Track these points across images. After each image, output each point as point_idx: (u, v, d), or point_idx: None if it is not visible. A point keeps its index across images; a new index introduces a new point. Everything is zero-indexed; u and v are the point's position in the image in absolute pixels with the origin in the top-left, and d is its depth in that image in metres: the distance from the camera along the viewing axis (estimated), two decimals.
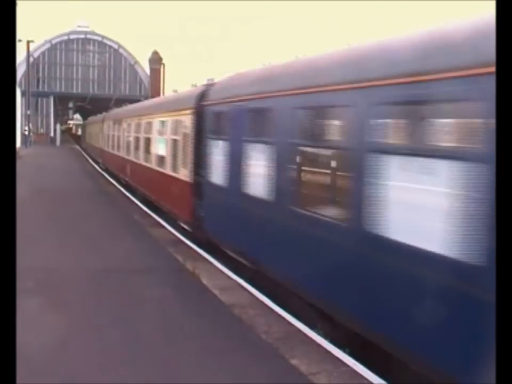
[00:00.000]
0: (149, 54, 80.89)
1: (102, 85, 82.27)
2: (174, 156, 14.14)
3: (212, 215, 11.05)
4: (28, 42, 60.96)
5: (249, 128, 9.13)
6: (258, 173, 8.51)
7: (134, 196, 20.14)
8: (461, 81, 4.55)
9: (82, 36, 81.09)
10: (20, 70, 68.29)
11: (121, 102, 46.73)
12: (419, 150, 5.03)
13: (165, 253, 11.13)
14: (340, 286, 6.35)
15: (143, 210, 17.16)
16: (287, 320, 7.24)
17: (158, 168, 16.35)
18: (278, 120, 7.90)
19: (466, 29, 4.96)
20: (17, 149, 38.76)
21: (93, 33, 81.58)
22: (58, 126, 76.78)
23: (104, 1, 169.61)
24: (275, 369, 5.86)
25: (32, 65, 67.93)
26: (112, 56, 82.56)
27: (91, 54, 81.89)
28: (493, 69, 3.74)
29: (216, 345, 6.43)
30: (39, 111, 77.02)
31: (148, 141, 18.30)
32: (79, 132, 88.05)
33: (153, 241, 12.40)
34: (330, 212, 6.66)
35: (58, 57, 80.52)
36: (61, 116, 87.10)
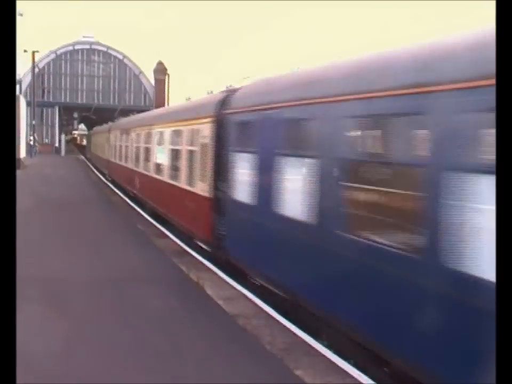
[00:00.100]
0: (154, 64, 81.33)
1: (107, 95, 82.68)
2: (190, 169, 12.98)
3: (236, 236, 9.94)
4: (33, 52, 61.35)
5: (284, 139, 8.00)
6: (296, 191, 7.49)
7: (142, 209, 19.28)
8: None
9: (87, 46, 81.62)
10: (25, 80, 68.73)
11: (126, 112, 47.01)
12: None
13: (169, 263, 11.13)
14: (414, 336, 5.12)
15: (148, 220, 17.18)
16: (292, 331, 7.24)
17: (171, 181, 15.15)
18: (325, 130, 6.77)
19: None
20: (22, 159, 39.02)
21: (98, 43, 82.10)
22: (63, 136, 77.05)
23: (109, 10, 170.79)
24: (280, 380, 5.86)
25: (38, 75, 68.31)
26: (117, 66, 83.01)
27: (96, 65, 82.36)
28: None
29: (220, 355, 6.43)
30: (44, 121, 77.38)
31: (158, 152, 17.22)
32: (84, 142, 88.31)
33: (157, 251, 12.40)
34: (395, 240, 5.49)
35: (63, 68, 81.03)
36: (65, 126, 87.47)
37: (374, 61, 6.40)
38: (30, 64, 62.86)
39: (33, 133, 59.84)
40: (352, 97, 6.26)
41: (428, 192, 4.92)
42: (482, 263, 4.21)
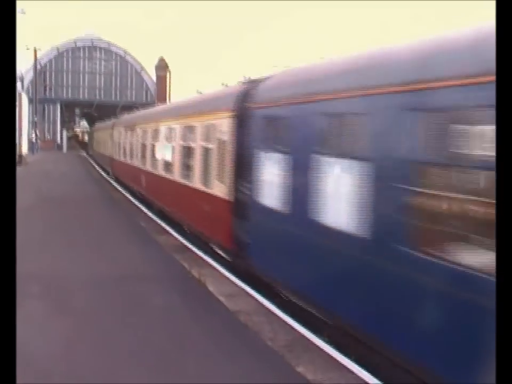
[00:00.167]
0: (155, 61, 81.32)
1: (109, 92, 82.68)
2: (205, 168, 11.80)
3: (263, 244, 8.84)
4: (35, 49, 61.43)
5: (329, 137, 6.83)
6: (343, 198, 6.38)
7: (146, 207, 18.76)
8: None
9: (88, 43, 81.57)
10: (28, 77, 68.82)
11: (127, 108, 46.97)
12: None
13: (171, 260, 11.14)
14: None
15: (149, 216, 17.19)
16: (293, 327, 7.24)
17: (182, 181, 13.85)
18: (387, 126, 5.61)
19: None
20: (24, 155, 39.08)
21: (99, 40, 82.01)
22: (65, 132, 77.11)
23: (110, 9, 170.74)
24: (281, 376, 5.87)
25: (40, 72, 68.33)
26: (118, 63, 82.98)
27: (97, 61, 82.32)
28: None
29: (222, 352, 6.44)
30: (46, 118, 77.45)
31: (168, 149, 15.70)
32: (86, 139, 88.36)
33: (159, 247, 12.41)
34: (479, 261, 4.44)
35: (65, 64, 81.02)
36: (67, 123, 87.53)
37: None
38: (32, 61, 62.95)
39: (35, 129, 59.93)
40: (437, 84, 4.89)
41: None
42: None
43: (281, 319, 7.58)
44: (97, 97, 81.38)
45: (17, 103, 41.87)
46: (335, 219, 6.49)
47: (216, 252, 11.05)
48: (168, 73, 72.58)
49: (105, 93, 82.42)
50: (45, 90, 75.84)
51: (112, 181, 29.46)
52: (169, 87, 70.08)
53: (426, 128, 5.08)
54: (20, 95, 43.34)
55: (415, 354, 5.15)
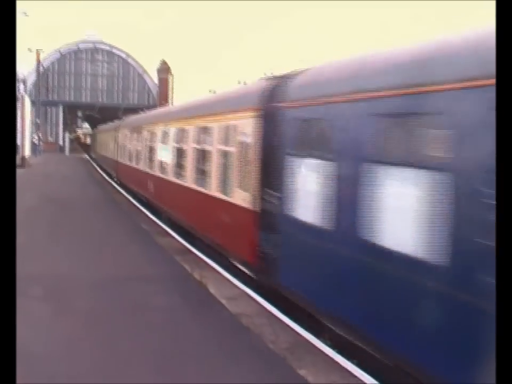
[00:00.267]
0: (157, 62, 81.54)
1: (111, 94, 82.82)
2: (224, 173, 10.73)
3: (295, 262, 7.74)
4: (38, 51, 61.55)
5: (389, 142, 5.74)
6: (408, 214, 5.29)
7: (150, 211, 18.25)
8: None
9: (91, 46, 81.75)
10: (30, 80, 68.95)
11: (129, 111, 47.01)
12: None
13: (172, 262, 11.14)
14: None
15: (151, 219, 17.19)
16: (294, 330, 7.23)
17: (196, 188, 12.70)
18: (469, 129, 4.57)
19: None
20: (26, 157, 39.14)
21: (102, 42, 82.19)
22: (67, 135, 77.23)
23: (111, 11, 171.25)
24: (283, 379, 5.86)
25: (42, 74, 68.47)
26: (120, 65, 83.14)
27: (100, 64, 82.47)
28: None
29: (223, 354, 6.43)
30: (48, 120, 77.57)
31: (180, 153, 14.47)
32: (88, 141, 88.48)
33: (160, 249, 12.41)
34: None
35: (67, 67, 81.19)
36: (69, 125, 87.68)
37: None
38: (34, 63, 63.06)
39: (38, 131, 60.02)
40: None
41: None
42: None
43: (283, 321, 7.57)
44: (100, 99, 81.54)
45: (19, 105, 41.95)
46: (397, 239, 5.40)
47: (234, 265, 10.28)
48: (170, 76, 72.68)
49: (107, 96, 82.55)
50: (47, 92, 75.95)
51: (114, 184, 29.46)
52: (172, 89, 70.17)
53: None
54: (23, 97, 43.37)
55: None
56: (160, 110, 23.40)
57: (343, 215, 6.39)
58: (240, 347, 6.71)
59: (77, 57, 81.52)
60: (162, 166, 17.10)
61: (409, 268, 5.18)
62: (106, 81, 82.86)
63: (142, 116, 26.41)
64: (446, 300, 4.79)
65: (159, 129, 17.93)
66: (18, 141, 39.79)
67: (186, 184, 13.64)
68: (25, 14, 48.59)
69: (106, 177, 33.87)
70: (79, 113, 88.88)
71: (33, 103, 60.03)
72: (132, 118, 27.89)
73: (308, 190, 7.35)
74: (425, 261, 4.94)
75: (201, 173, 12.35)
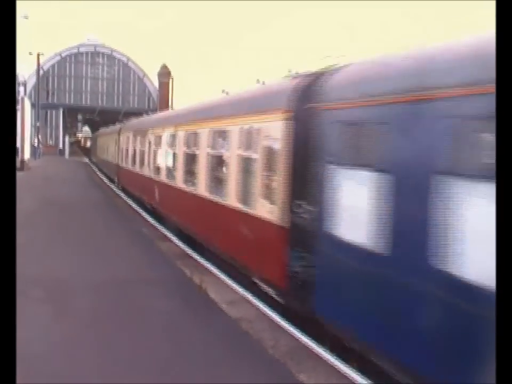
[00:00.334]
0: (157, 67, 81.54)
1: (111, 98, 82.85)
2: (245, 182, 9.58)
3: (335, 288, 6.66)
4: (38, 54, 61.62)
5: (466, 151, 4.75)
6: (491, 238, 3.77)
7: (158, 222, 17.34)
8: None
9: (91, 49, 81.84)
10: (30, 82, 69.01)
11: (129, 115, 46.98)
12: None
13: (172, 266, 11.16)
14: None
15: (151, 223, 17.20)
16: (294, 335, 7.26)
17: (211, 197, 11.46)
18: None
19: None
20: (26, 161, 39.12)
21: (102, 46, 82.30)
22: (67, 138, 77.23)
23: (112, 12, 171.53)
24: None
25: (42, 77, 68.51)
26: (121, 69, 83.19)
27: (100, 67, 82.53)
28: None
29: (223, 359, 6.46)
30: (48, 123, 77.57)
31: (191, 158, 13.19)
32: (88, 144, 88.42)
33: (161, 254, 12.44)
34: None
35: (67, 70, 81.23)
36: (69, 128, 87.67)
37: None
38: (34, 67, 63.11)
39: (38, 134, 60.00)
40: None
41: None
42: None
43: (283, 326, 7.60)
44: (100, 103, 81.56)
45: (19, 107, 41.95)
46: (479, 268, 4.38)
47: (248, 277, 9.44)
48: (170, 80, 72.70)
49: (107, 99, 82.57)
50: (47, 95, 75.96)
51: (114, 188, 29.43)
52: (172, 93, 70.17)
53: None
54: (23, 100, 43.37)
55: None
56: (168, 112, 21.56)
57: (405, 237, 5.35)
58: (240, 352, 6.74)
59: (77, 60, 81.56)
60: (171, 172, 15.80)
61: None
62: (106, 85, 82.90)
63: (147, 118, 25.38)
64: None
65: (167, 133, 16.55)
66: (18, 144, 39.81)
67: (198, 193, 12.36)
68: (25, 17, 48.78)
69: (106, 181, 33.85)
70: (79, 117, 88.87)
71: (33, 106, 60.08)
72: (136, 121, 26.76)
73: (357, 205, 6.14)
74: None
75: (217, 181, 11.25)
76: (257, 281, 9.15)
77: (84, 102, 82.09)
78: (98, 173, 41.98)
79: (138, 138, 21.80)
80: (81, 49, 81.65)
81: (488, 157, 4.28)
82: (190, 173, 13.35)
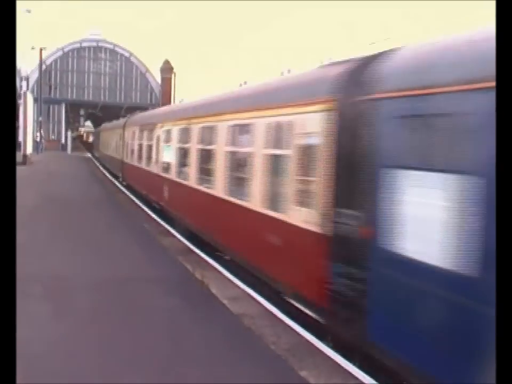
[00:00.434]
0: (159, 61, 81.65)
1: (113, 93, 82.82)
2: (273, 184, 8.56)
3: (396, 313, 5.51)
4: (41, 49, 61.63)
5: None
6: None
7: (160, 217, 17.12)
8: None
9: (94, 44, 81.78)
10: (33, 77, 69.04)
11: (132, 110, 46.94)
12: None
13: (174, 262, 11.15)
14: None
15: (153, 218, 17.20)
16: (296, 331, 7.25)
17: (230, 199, 10.42)
18: None
19: None
20: (28, 155, 39.15)
21: (105, 41, 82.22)
22: (69, 133, 77.27)
23: (115, 9, 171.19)
24: (284, 380, 5.88)
25: (45, 72, 68.51)
26: (123, 64, 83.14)
27: (102, 62, 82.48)
28: None
29: (225, 355, 6.45)
30: (50, 118, 77.62)
31: (208, 155, 11.97)
32: (90, 139, 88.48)
33: (162, 249, 12.43)
34: None
35: (70, 65, 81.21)
36: (72, 123, 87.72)
37: None
38: (37, 61, 63.17)
39: (40, 129, 60.05)
40: None
41: None
42: None
43: (284, 323, 7.58)
44: (102, 97, 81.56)
45: (21, 102, 41.98)
46: None
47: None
48: (173, 76, 72.74)
49: (110, 94, 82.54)
50: (50, 90, 75.97)
51: (117, 183, 29.42)
52: (174, 89, 70.23)
53: None
54: (25, 94, 43.39)
55: None
56: (180, 104, 19.73)
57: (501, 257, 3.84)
58: (242, 348, 6.72)
59: (80, 56, 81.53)
60: (183, 170, 14.53)
61: None
62: (109, 80, 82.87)
63: (155, 111, 24.21)
64: None
65: (179, 127, 15.24)
66: (20, 138, 39.84)
67: (215, 194, 11.24)
68: (28, 11, 48.80)
69: (109, 177, 33.84)
70: (82, 112, 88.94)
71: (35, 100, 60.11)
72: (142, 115, 25.62)
73: (424, 216, 5.16)
74: None
75: (239, 181, 10.10)
76: (288, 297, 8.28)
77: (86, 97, 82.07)
78: (101, 168, 41.98)
79: (146, 133, 20.74)
80: (84, 44, 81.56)
81: None
82: (206, 171, 12.14)
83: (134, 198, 22.20)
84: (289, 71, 9.79)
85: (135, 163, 23.06)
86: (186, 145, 14.09)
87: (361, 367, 6.08)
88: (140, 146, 21.98)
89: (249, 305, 8.39)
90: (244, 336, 7.11)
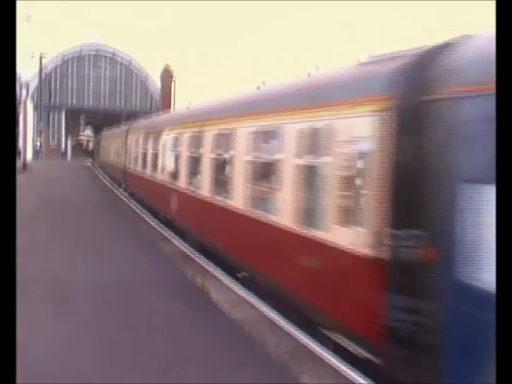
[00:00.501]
0: (160, 67, 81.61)
1: (113, 99, 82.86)
2: (310, 198, 7.35)
3: (481, 358, 4.40)
4: (41, 56, 61.72)
5: None
6: None
7: (160, 224, 16.76)
8: None
9: (93, 51, 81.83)
10: (33, 84, 69.11)
11: (131, 116, 46.90)
12: None
13: (174, 268, 11.18)
14: None
15: (153, 225, 17.20)
16: (296, 337, 7.27)
17: (255, 215, 9.10)
18: None
19: None
20: (28, 163, 39.16)
21: (104, 47, 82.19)
22: (69, 140, 77.26)
23: (114, 12, 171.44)
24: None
25: (45, 79, 68.60)
26: (123, 70, 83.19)
27: (102, 71, 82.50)
28: None
29: (225, 360, 6.48)
30: (50, 125, 77.63)
31: (225, 164, 10.94)
32: (90, 146, 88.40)
33: (163, 255, 12.45)
34: None
35: (70, 71, 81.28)
36: (72, 130, 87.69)
37: None
38: (37, 68, 63.23)
39: (40, 136, 60.05)
40: None
41: None
42: None
43: (285, 328, 7.61)
44: (102, 104, 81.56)
45: (21, 110, 42.04)
46: None
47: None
48: (172, 81, 72.84)
49: (109, 100, 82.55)
50: (49, 96, 76.02)
51: (116, 192, 29.33)
52: (174, 95, 70.32)
53: None
54: (25, 101, 43.49)
55: None
56: (190, 109, 17.32)
57: None
58: (242, 353, 6.75)
59: (79, 64, 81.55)
60: (190, 179, 13.46)
61: None
62: (108, 86, 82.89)
63: (162, 117, 23.13)
64: None
65: (188, 133, 13.93)
66: (20, 145, 39.86)
67: (238, 209, 9.85)
68: (27, 19, 48.86)
69: (109, 185, 33.74)
70: (82, 118, 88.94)
71: (35, 107, 60.16)
72: (147, 121, 24.46)
73: None
74: None
75: (263, 194, 8.98)
76: (332, 334, 6.89)
77: (86, 103, 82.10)
78: (100, 176, 41.79)
79: (150, 140, 19.37)
80: (83, 52, 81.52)
81: None
82: (224, 183, 10.90)
83: (133, 207, 22.13)
84: (317, 69, 8.60)
85: (140, 172, 21.59)
86: (199, 153, 12.65)
87: (361, 371, 6.09)
88: (144, 154, 20.59)
89: (249, 311, 8.37)
90: (245, 342, 7.13)
